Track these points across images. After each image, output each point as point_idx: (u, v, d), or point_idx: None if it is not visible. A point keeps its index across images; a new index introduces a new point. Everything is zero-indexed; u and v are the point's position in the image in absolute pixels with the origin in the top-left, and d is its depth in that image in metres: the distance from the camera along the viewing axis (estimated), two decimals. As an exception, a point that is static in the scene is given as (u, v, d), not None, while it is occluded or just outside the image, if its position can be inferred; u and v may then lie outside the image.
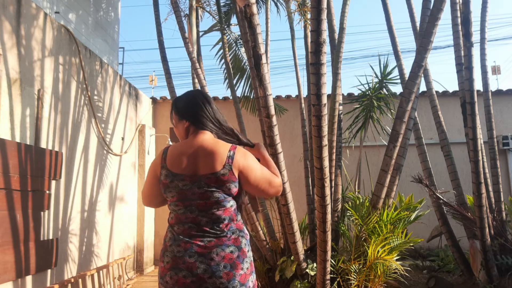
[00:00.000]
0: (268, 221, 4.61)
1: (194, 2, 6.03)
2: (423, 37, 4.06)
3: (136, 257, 6.92)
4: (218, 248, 1.58)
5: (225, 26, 6.38)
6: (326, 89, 3.18)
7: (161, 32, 5.67)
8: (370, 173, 5.58)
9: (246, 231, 1.71)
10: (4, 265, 3.54)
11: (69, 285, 4.53)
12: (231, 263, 1.57)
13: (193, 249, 1.56)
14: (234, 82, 6.49)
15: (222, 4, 6.45)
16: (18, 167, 3.78)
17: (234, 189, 1.65)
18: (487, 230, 4.36)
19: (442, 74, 35.23)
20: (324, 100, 3.11)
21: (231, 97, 5.94)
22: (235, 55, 6.74)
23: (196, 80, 5.18)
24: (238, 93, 6.54)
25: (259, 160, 1.80)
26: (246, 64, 6.79)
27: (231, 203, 1.65)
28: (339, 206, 4.50)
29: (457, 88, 5.41)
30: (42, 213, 4.16)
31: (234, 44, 6.75)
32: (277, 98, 8.18)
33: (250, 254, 1.68)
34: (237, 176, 1.65)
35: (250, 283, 1.62)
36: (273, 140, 3.51)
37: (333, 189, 4.41)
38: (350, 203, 4.41)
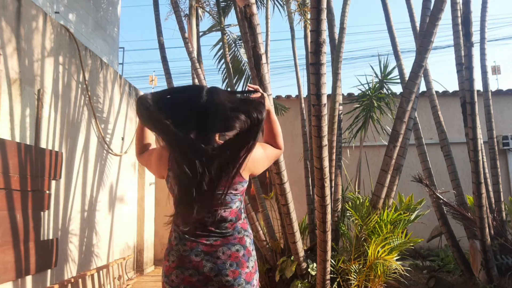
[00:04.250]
0: (268, 221, 4.61)
1: (194, 2, 6.04)
2: (424, 37, 4.06)
3: (136, 257, 6.92)
4: (224, 247, 1.59)
5: (224, 26, 6.38)
6: (326, 89, 3.18)
7: (161, 32, 5.67)
8: (370, 173, 5.58)
9: (250, 231, 1.72)
10: (4, 265, 3.54)
11: (69, 285, 4.52)
12: (237, 261, 1.58)
13: (199, 248, 1.57)
14: (233, 82, 6.49)
15: (221, 1, 6.44)
16: (18, 167, 3.78)
17: (241, 188, 1.66)
18: (487, 230, 4.36)
19: (442, 74, 35.28)
20: (324, 100, 3.11)
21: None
22: (234, 56, 6.74)
23: (196, 80, 5.18)
24: (236, 94, 6.54)
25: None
26: (244, 65, 6.79)
27: (237, 204, 1.66)
28: (339, 206, 4.49)
29: (457, 88, 5.41)
30: (42, 213, 4.16)
31: (233, 44, 6.75)
32: (277, 98, 8.19)
33: (254, 253, 1.69)
34: (246, 177, 1.66)
35: (255, 281, 1.64)
36: (273, 140, 3.50)
37: (333, 189, 4.40)
38: (350, 203, 4.41)
